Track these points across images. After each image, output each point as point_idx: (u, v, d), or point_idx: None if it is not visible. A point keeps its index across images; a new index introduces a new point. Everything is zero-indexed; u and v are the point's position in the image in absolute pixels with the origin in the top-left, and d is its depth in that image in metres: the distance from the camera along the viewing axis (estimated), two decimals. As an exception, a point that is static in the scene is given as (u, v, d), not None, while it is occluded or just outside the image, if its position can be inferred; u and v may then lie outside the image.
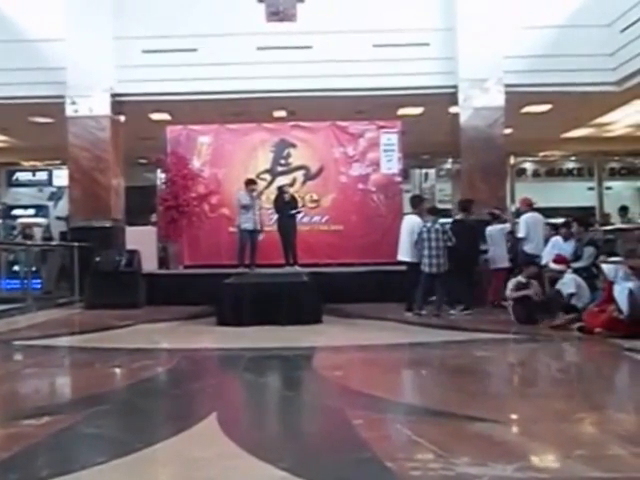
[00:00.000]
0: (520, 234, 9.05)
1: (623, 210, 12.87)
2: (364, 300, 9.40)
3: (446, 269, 8.25)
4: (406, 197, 13.54)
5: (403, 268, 8.78)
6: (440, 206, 14.23)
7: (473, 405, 3.80)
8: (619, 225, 11.66)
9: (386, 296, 9.42)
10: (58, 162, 14.82)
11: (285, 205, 10.50)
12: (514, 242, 9.37)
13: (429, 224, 8.35)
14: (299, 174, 11.56)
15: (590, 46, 10.47)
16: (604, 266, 6.61)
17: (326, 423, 3.67)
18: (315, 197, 11.43)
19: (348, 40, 10.79)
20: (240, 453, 2.90)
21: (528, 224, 9.02)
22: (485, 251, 9.28)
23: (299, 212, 10.73)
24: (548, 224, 9.72)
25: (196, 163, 11.50)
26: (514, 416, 3.71)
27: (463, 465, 2.69)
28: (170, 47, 10.77)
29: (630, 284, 6.20)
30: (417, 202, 9.24)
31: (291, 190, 10.89)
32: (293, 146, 11.64)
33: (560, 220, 9.29)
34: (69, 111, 10.77)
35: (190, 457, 2.89)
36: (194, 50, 10.83)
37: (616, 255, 7.11)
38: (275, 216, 11.00)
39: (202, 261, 11.09)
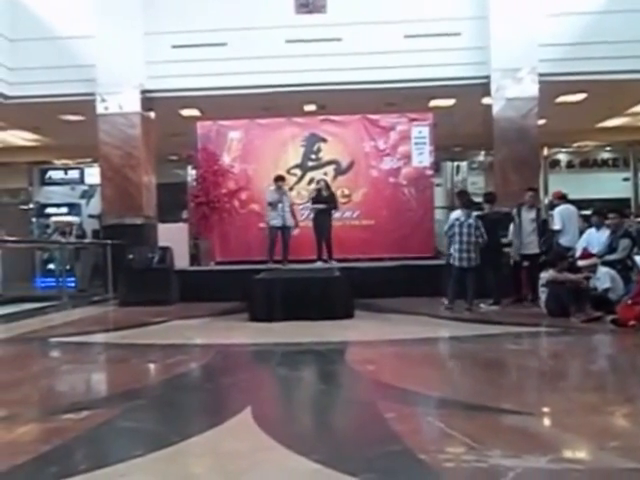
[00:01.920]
0: (556, 226, 8.91)
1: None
2: (395, 295, 9.37)
3: (478, 263, 8.17)
4: (437, 190, 13.51)
5: (434, 262, 8.73)
6: (473, 199, 14.17)
7: (506, 398, 3.77)
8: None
9: (417, 291, 9.37)
10: (89, 160, 15.05)
11: (323, 201, 10.52)
12: (549, 234, 9.23)
13: (462, 218, 8.28)
14: (330, 169, 11.56)
15: (626, 33, 10.22)
16: (638, 258, 6.48)
17: (358, 416, 3.67)
18: (346, 192, 11.41)
19: (378, 31, 10.76)
20: (274, 445, 2.93)
21: (563, 216, 8.90)
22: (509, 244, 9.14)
23: (336, 208, 10.74)
24: (582, 216, 9.56)
25: (226, 159, 11.56)
26: (547, 409, 3.67)
27: (496, 457, 2.68)
28: (199, 42, 10.83)
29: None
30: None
31: (323, 184, 10.87)
32: (324, 140, 11.64)
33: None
34: (99, 108, 10.92)
35: (225, 450, 2.93)
36: (223, 44, 10.88)
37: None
38: (306, 211, 11.10)
39: (233, 257, 11.17)
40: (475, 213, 8.56)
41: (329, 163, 11.59)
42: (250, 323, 7.45)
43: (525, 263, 8.82)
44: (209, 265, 11.20)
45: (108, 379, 5.19)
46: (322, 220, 10.50)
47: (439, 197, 13.99)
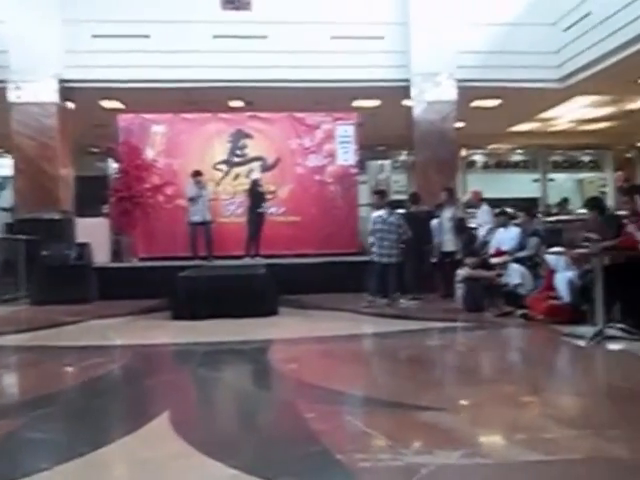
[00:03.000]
0: (488, 225, 9.31)
1: (564, 201, 13.32)
2: (321, 291, 9.49)
3: (399, 260, 8.43)
4: (362, 188, 13.78)
5: (359, 259, 8.95)
6: (396, 197, 14.55)
7: (423, 394, 3.96)
8: (561, 216, 12.09)
9: (342, 287, 9.53)
10: (1, 150, 14.34)
11: (259, 199, 10.52)
12: (467, 232, 9.70)
13: (384, 215, 8.50)
14: (255, 165, 11.55)
15: (536, 44, 10.83)
16: (547, 256, 6.89)
17: (279, 417, 3.74)
18: (272, 188, 11.44)
19: (305, 31, 10.86)
20: (191, 452, 2.91)
21: (489, 215, 9.37)
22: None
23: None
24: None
25: (150, 153, 11.33)
26: (461, 403, 3.85)
27: (411, 454, 2.82)
28: (121, 32, 10.57)
29: (570, 273, 6.51)
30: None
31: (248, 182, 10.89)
32: (250, 137, 11.62)
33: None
34: (12, 97, 10.42)
35: (138, 459, 2.88)
36: (147, 37, 10.67)
37: (558, 245, 7.40)
38: (232, 207, 11.10)
39: (158, 253, 10.99)
40: (399, 211, 8.83)
41: (255, 159, 11.59)
42: (172, 322, 7.35)
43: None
44: (132, 261, 10.97)
45: (15, 385, 4.96)
46: (258, 218, 10.51)
47: (364, 195, 14.27)
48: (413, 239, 8.72)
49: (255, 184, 10.61)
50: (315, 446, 2.95)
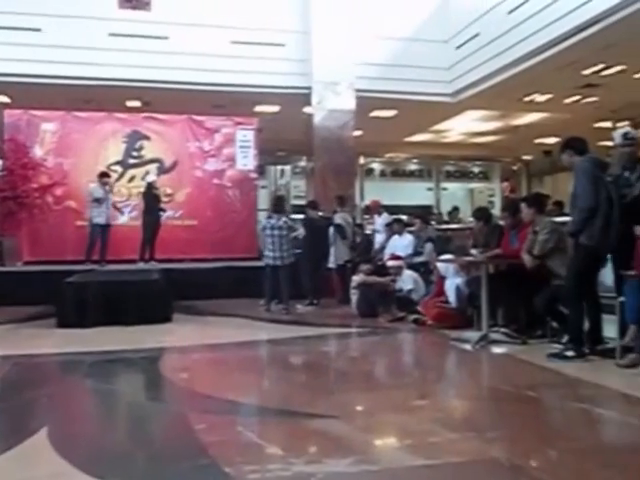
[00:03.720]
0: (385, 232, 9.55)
1: (454, 210, 13.95)
2: (218, 297, 9.34)
3: (290, 262, 8.51)
4: (262, 193, 13.79)
5: (257, 263, 8.95)
6: (295, 202, 14.70)
7: (315, 402, 3.98)
8: (452, 224, 12.67)
9: (240, 292, 9.42)
10: None
11: (155, 202, 10.20)
12: (363, 238, 9.97)
13: (273, 220, 8.53)
14: (152, 167, 11.23)
15: (431, 59, 11.30)
16: (438, 264, 7.16)
17: (167, 430, 3.64)
18: (169, 191, 11.15)
19: (206, 34, 10.72)
20: (71, 471, 2.76)
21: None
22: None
23: (164, 210, 10.49)
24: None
25: (38, 152, 10.73)
26: (353, 410, 3.92)
27: (300, 464, 2.82)
28: (9, 24, 9.98)
29: (459, 280, 6.81)
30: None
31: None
32: (146, 138, 11.29)
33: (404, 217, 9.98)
34: None
35: None
36: (37, 30, 10.13)
37: (448, 252, 7.73)
38: (126, 210, 10.78)
39: (45, 257, 10.38)
40: (298, 216, 8.91)
41: (152, 161, 11.26)
42: (59, 330, 6.95)
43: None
44: (15, 265, 10.30)
45: None
46: (154, 221, 10.19)
47: (263, 199, 14.28)
48: (310, 245, 8.81)
49: (151, 187, 10.30)
50: (203, 459, 2.89)
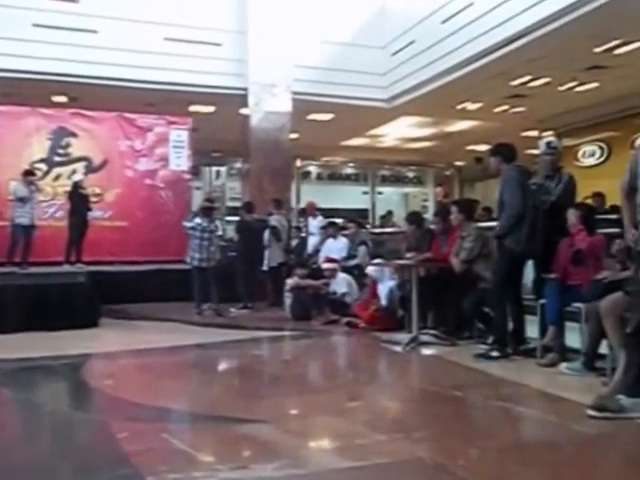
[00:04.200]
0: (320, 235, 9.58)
1: (388, 214, 14.17)
2: (149, 300, 9.18)
3: (216, 263, 8.49)
4: (196, 194, 13.59)
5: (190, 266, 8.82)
6: (231, 204, 14.57)
7: (245, 406, 3.93)
8: (386, 228, 12.81)
9: (172, 295, 9.29)
10: None
11: (82, 202, 9.83)
12: (300, 241, 10.00)
13: (205, 223, 8.46)
14: (80, 166, 10.85)
15: (367, 65, 11.44)
16: (369, 268, 7.24)
17: (87, 440, 3.50)
18: (98, 191, 10.80)
19: (138, 30, 10.44)
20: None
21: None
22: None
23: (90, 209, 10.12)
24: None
25: (-46, 147, 10.19)
26: (283, 414, 3.87)
27: (226, 470, 2.78)
28: None
29: (391, 283, 6.90)
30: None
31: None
32: (74, 135, 10.90)
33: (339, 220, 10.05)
34: None
35: None
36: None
37: (381, 256, 7.83)
38: (51, 210, 10.37)
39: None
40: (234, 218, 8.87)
41: (79, 160, 10.88)
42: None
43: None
44: None
45: None
46: (81, 222, 9.81)
47: (198, 201, 14.08)
48: (245, 248, 8.76)
49: (77, 186, 9.94)
50: (125, 468, 2.79)
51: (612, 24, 7.92)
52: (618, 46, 8.72)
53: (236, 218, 9.95)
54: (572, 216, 4.95)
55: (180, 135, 11.35)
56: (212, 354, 6.00)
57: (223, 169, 16.06)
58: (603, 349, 4.39)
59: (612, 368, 4.11)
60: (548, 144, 5.46)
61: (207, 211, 8.74)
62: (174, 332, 7.19)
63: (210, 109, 12.24)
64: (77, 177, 10.20)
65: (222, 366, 5.50)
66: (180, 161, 11.36)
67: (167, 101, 11.22)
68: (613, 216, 5.88)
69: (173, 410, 4.03)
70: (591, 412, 3.48)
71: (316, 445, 3.37)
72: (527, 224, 4.99)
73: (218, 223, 8.89)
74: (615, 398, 3.50)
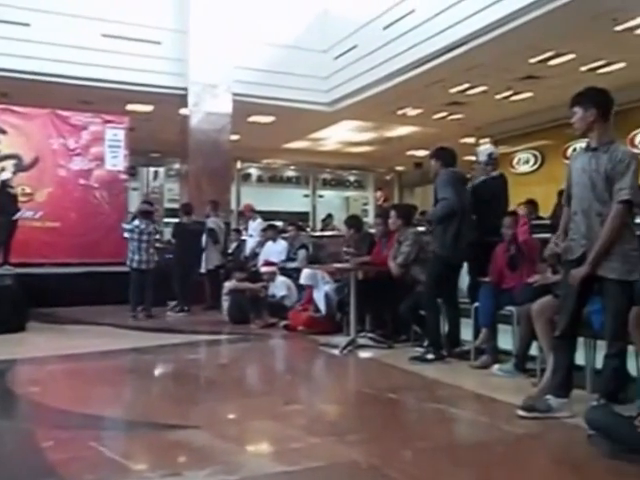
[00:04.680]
0: (259, 237, 9.53)
1: (329, 217, 14.23)
2: (82, 303, 8.89)
3: (155, 266, 8.40)
4: (133, 195, 13.27)
5: (125, 269, 8.63)
6: (169, 206, 14.30)
7: (179, 412, 3.84)
8: (326, 231, 12.87)
9: (105, 298, 9.04)
10: None
11: (10, 201, 9.40)
12: (240, 244, 9.92)
13: (142, 225, 8.35)
14: (9, 164, 10.34)
15: (309, 68, 11.46)
16: (304, 270, 7.23)
17: (9, 449, 3.28)
18: (28, 190, 10.38)
19: (74, 25, 10.10)
20: None
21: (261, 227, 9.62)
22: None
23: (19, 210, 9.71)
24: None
25: None
26: (216, 419, 3.80)
27: (157, 478, 2.72)
28: None
29: (327, 287, 6.91)
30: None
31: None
32: (2, 132, 10.41)
33: (279, 223, 10.01)
34: None
35: None
36: None
37: (319, 261, 7.86)
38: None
39: None
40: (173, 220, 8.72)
41: (8, 157, 10.40)
42: None
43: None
44: None
45: None
46: (8, 222, 9.39)
47: (135, 202, 13.76)
48: (182, 250, 8.64)
49: (5, 185, 9.52)
50: (50, 479, 2.69)
51: (546, 36, 8.21)
52: (551, 57, 9.05)
53: (174, 220, 9.76)
54: (508, 223, 5.04)
55: (116, 134, 11.04)
56: (146, 359, 5.85)
57: (161, 170, 15.72)
58: (534, 351, 4.51)
59: (542, 369, 4.23)
60: (489, 155, 5.61)
61: (146, 213, 8.59)
62: (106, 336, 6.99)
63: (148, 108, 11.99)
64: (5, 176, 9.75)
65: (156, 371, 5.36)
66: (116, 161, 11.05)
67: (104, 99, 10.93)
68: (545, 222, 6.10)
69: (103, 417, 3.89)
70: (521, 412, 3.58)
71: (250, 450, 3.32)
72: (452, 230, 5.12)
73: (157, 225, 8.67)
74: (544, 399, 3.60)
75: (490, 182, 5.54)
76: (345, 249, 6.77)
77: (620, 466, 2.84)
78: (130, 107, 11.71)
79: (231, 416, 3.98)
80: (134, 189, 14.21)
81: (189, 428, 3.45)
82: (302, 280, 7.14)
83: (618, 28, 7.83)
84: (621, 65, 9.25)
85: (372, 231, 7.28)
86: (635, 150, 10.44)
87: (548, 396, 3.60)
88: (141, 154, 13.91)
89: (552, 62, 9.20)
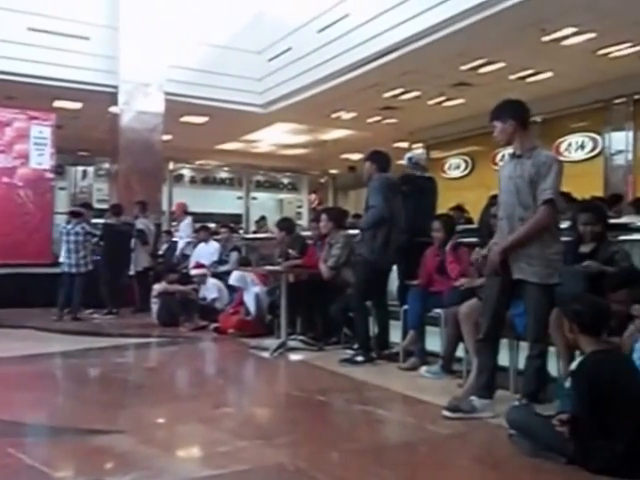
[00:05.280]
0: (189, 238, 9.42)
1: (262, 219, 14.19)
2: (4, 306, 8.47)
3: (87, 270, 8.23)
4: (61, 195, 12.84)
5: (51, 270, 8.37)
6: (99, 206, 13.88)
7: (103, 417, 3.76)
8: (259, 234, 12.80)
9: (30, 301, 8.78)
10: None
11: None
12: (170, 245, 9.78)
13: (70, 226, 8.20)
14: None
15: (243, 69, 11.36)
16: (233, 273, 7.19)
17: None
18: (-56, 189, 9.88)
19: (-4, 17, 9.68)
20: None
21: (191, 228, 9.56)
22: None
23: None
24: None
25: None
26: (142, 424, 3.73)
27: (77, 485, 2.65)
28: None
29: (256, 289, 6.89)
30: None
31: None
32: None
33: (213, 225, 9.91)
34: None
35: None
36: None
37: (250, 262, 7.84)
38: None
39: None
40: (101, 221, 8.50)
41: None
42: None
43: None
44: None
45: None
46: None
47: (62, 202, 13.32)
48: (110, 251, 8.45)
49: None
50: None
51: (477, 44, 8.43)
52: (482, 65, 9.29)
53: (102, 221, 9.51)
54: (437, 226, 5.15)
55: (42, 131, 10.61)
56: (70, 363, 5.68)
57: (90, 169, 15.29)
58: (460, 353, 4.64)
59: (467, 371, 4.36)
60: (409, 159, 5.78)
61: (73, 214, 8.37)
62: (29, 340, 6.74)
63: (77, 105, 11.60)
64: None
65: (81, 375, 5.19)
66: (42, 159, 10.62)
67: (29, 95, 10.49)
68: (472, 226, 6.28)
69: (23, 423, 3.75)
70: (446, 413, 3.67)
71: (176, 454, 3.27)
72: (382, 236, 5.22)
73: (86, 227, 8.44)
74: (468, 399, 3.71)
75: (420, 180, 5.68)
76: (289, 251, 6.74)
77: (538, 464, 2.95)
78: (58, 104, 11.28)
79: (158, 420, 3.91)
80: (61, 188, 13.78)
81: (114, 433, 3.39)
82: (231, 281, 7.10)
83: (545, 39, 8.08)
84: (549, 75, 9.56)
85: (306, 234, 7.33)
86: (560, 157, 10.95)
87: (472, 397, 3.71)
88: (69, 152, 13.48)
89: (483, 70, 9.42)
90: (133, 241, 8.96)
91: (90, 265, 8.31)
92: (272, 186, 18.66)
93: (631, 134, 9.94)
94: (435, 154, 13.78)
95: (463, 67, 9.38)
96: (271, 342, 6.00)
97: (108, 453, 3.10)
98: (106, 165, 14.15)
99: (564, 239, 4.06)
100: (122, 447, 3.17)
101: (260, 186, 18.38)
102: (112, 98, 10.76)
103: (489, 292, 3.76)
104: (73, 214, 8.40)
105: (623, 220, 5.14)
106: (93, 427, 3.49)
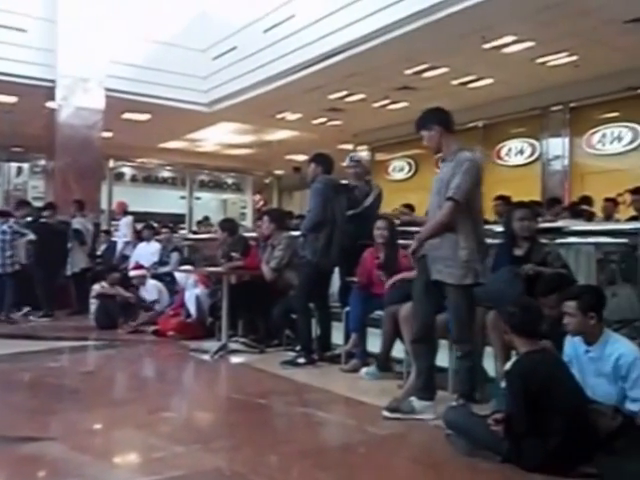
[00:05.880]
0: (127, 238, 9.20)
1: (205, 220, 14.02)
2: None
3: (15, 270, 7.98)
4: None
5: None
6: (34, 204, 13.42)
7: (33, 424, 3.62)
8: (202, 234, 12.61)
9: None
10: None
11: None
12: (110, 244, 9.54)
13: None
14: None
15: (187, 67, 11.21)
16: (177, 274, 7.07)
17: None
18: None
19: None
20: None
21: (130, 228, 9.34)
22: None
23: None
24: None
25: None
26: (74, 430, 3.59)
27: (1, 496, 2.53)
28: None
29: (197, 290, 6.78)
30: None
31: None
32: None
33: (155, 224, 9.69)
34: None
35: None
36: None
37: (191, 262, 7.71)
38: None
39: None
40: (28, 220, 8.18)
41: None
42: None
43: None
44: None
45: None
46: None
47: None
48: (45, 251, 8.16)
49: None
50: None
51: (420, 49, 8.55)
52: (426, 70, 9.43)
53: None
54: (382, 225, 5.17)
55: (-27, 126, 10.20)
56: (0, 368, 5.42)
57: (26, 166, 14.75)
58: (401, 354, 4.67)
59: (408, 372, 4.39)
60: (351, 158, 5.81)
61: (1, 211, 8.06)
62: (-45, 344, 6.41)
63: (12, 99, 11.15)
64: None
65: (11, 380, 4.97)
66: (-27, 154, 10.21)
67: (-41, 88, 10.06)
68: (414, 228, 6.34)
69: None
70: (385, 413, 3.70)
71: (109, 461, 3.16)
72: (324, 237, 5.23)
73: (14, 226, 8.12)
74: (408, 400, 3.75)
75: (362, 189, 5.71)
76: (232, 253, 6.63)
77: (475, 463, 3.01)
78: (-10, 97, 10.86)
79: (92, 426, 3.79)
80: (-7, 185, 13.26)
81: (44, 440, 3.27)
82: (178, 277, 6.98)
83: (486, 46, 8.26)
84: (490, 81, 9.78)
85: (251, 235, 7.26)
86: (500, 162, 11.24)
87: (412, 398, 3.75)
88: (2, 148, 12.98)
89: (426, 74, 9.56)
90: (70, 241, 8.67)
91: (17, 265, 8.00)
92: (216, 186, 18.47)
93: (567, 140, 10.30)
94: (379, 156, 13.94)
95: (407, 71, 9.50)
96: (212, 344, 5.91)
97: (39, 461, 3.00)
98: (42, 162, 13.67)
99: (496, 242, 4.16)
100: (53, 454, 3.07)
101: (204, 186, 18.17)
102: (49, 93, 10.39)
103: (415, 293, 3.87)
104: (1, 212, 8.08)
105: (559, 224, 5.29)
106: (22, 434, 3.36)
